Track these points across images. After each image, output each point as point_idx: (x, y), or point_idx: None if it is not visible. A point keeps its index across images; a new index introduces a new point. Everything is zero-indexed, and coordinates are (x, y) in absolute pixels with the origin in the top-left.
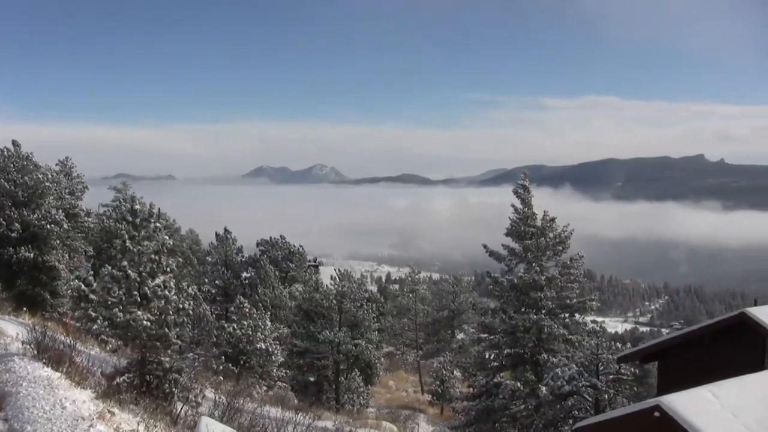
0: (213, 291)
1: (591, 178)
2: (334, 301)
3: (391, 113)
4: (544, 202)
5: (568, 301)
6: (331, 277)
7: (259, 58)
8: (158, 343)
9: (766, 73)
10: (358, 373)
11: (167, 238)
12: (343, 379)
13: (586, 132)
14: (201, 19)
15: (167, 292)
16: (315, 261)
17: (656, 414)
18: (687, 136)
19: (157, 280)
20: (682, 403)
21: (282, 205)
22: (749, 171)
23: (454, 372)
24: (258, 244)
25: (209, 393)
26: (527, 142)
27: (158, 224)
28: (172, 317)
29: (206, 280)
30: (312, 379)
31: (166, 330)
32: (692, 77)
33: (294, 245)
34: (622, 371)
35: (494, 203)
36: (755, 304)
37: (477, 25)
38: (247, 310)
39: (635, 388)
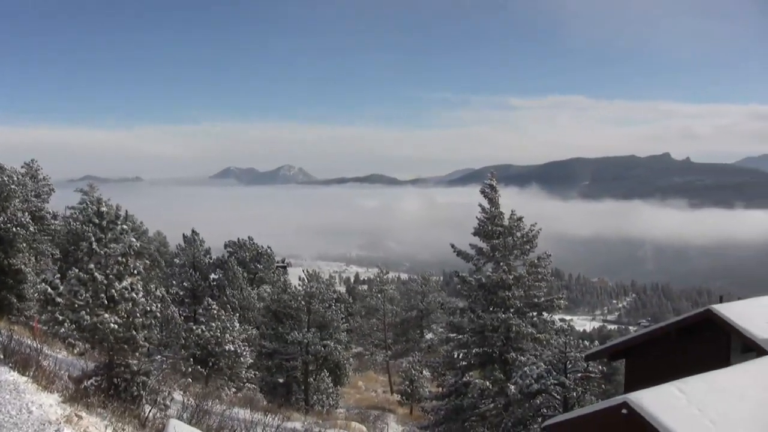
0: (181, 293)
1: (558, 177)
2: (303, 302)
3: (359, 114)
4: (512, 201)
5: (535, 300)
6: (300, 278)
7: (227, 59)
8: (126, 346)
9: (728, 72)
10: (327, 374)
11: (134, 240)
12: (312, 379)
13: (552, 131)
14: (168, 20)
15: (134, 295)
16: (283, 262)
17: (624, 411)
18: (653, 135)
19: (125, 283)
20: (649, 399)
21: (250, 206)
22: (714, 169)
23: (423, 372)
24: (226, 246)
25: (177, 395)
26: (494, 142)
27: (125, 226)
28: (140, 320)
29: (174, 282)
30: (281, 380)
31: (134, 332)
32: (656, 76)
33: (262, 246)
34: (590, 369)
35: (462, 203)
36: (721, 301)
37: (444, 26)
38: (215, 311)
39: (603, 386)
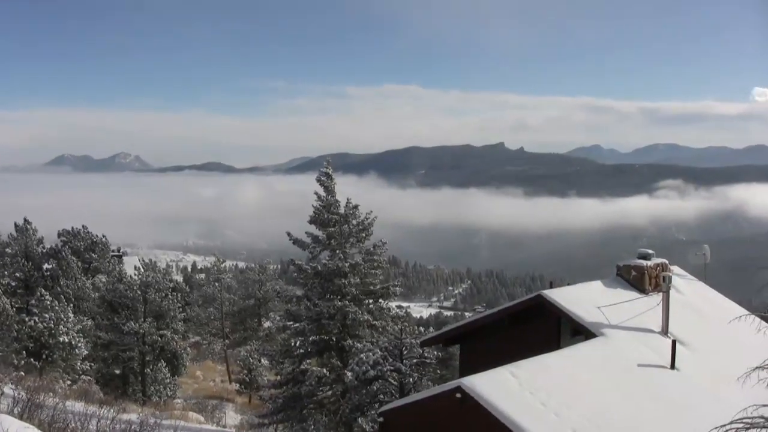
0: (13, 284)
1: (395, 165)
2: (139, 292)
3: (195, 101)
4: (350, 189)
5: (372, 288)
6: (135, 267)
7: (57, 45)
8: None
9: (559, 66)
10: (165, 364)
11: None
12: (149, 370)
13: (389, 120)
14: None
15: None
16: (119, 251)
17: (458, 395)
18: (487, 125)
19: None
20: (482, 383)
21: (85, 195)
22: (546, 159)
23: (261, 360)
24: (59, 235)
25: (8, 389)
26: (333, 131)
27: None
28: None
29: (5, 272)
30: (117, 371)
31: None
32: (490, 68)
33: (97, 235)
34: (426, 355)
35: (300, 191)
36: (551, 287)
37: (279, 14)
38: (48, 302)
39: (439, 371)
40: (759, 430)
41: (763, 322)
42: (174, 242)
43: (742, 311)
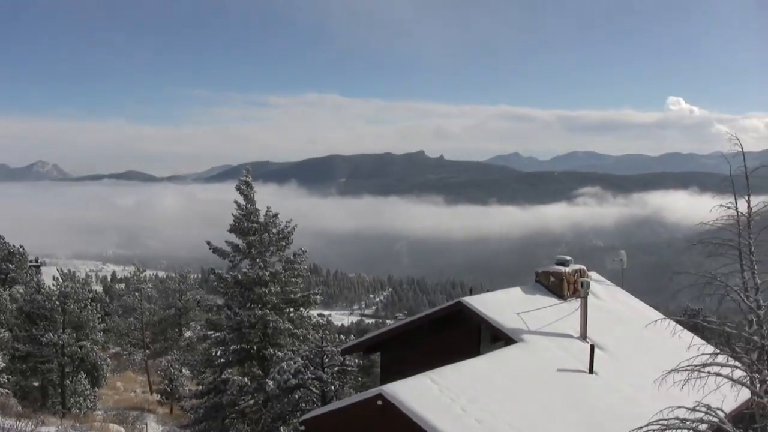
0: None
1: (316, 173)
2: (57, 303)
3: (114, 109)
4: (271, 198)
5: (292, 296)
6: (54, 278)
7: None
8: None
9: (478, 75)
10: (84, 376)
11: None
12: (68, 382)
13: (310, 129)
14: None
15: None
16: (36, 261)
17: (379, 402)
18: (407, 133)
19: None
20: (403, 390)
21: (1, 204)
22: (466, 167)
23: (183, 370)
24: None
25: None
26: (254, 139)
27: None
28: None
29: None
30: (36, 383)
31: None
32: (410, 77)
33: (13, 245)
34: (347, 363)
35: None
36: (471, 293)
37: (200, 23)
38: None
39: (360, 379)
40: (674, 431)
41: (679, 326)
42: (93, 252)
43: (659, 315)
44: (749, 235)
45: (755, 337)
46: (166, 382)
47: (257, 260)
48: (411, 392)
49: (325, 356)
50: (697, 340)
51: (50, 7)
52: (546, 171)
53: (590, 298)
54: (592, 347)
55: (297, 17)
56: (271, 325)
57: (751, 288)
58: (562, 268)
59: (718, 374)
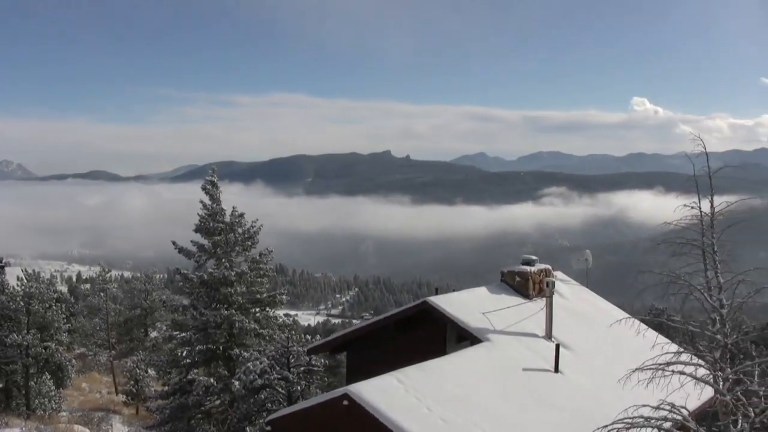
0: None
1: (282, 173)
2: (22, 303)
3: (80, 108)
4: (237, 198)
5: (258, 296)
6: (18, 278)
7: None
8: None
9: (443, 75)
10: (49, 377)
11: None
12: (33, 383)
13: (276, 128)
14: None
15: None
16: (1, 261)
17: (345, 402)
18: (374, 134)
19: None
20: (369, 390)
21: None
22: (432, 166)
23: (149, 371)
24: None
25: None
26: (220, 139)
27: None
28: None
29: None
30: (0, 385)
31: None
32: (375, 77)
33: None
34: (314, 363)
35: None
36: (437, 293)
37: (166, 21)
38: None
39: (326, 379)
40: (639, 429)
41: (643, 325)
42: (58, 252)
43: (624, 315)
44: (712, 234)
45: (718, 336)
46: (132, 382)
47: (223, 260)
48: (377, 392)
49: (291, 356)
50: (662, 338)
51: (11, 6)
52: (512, 171)
53: (555, 298)
54: (557, 346)
55: (263, 17)
56: (236, 326)
57: (714, 287)
58: (527, 268)
59: (681, 373)
